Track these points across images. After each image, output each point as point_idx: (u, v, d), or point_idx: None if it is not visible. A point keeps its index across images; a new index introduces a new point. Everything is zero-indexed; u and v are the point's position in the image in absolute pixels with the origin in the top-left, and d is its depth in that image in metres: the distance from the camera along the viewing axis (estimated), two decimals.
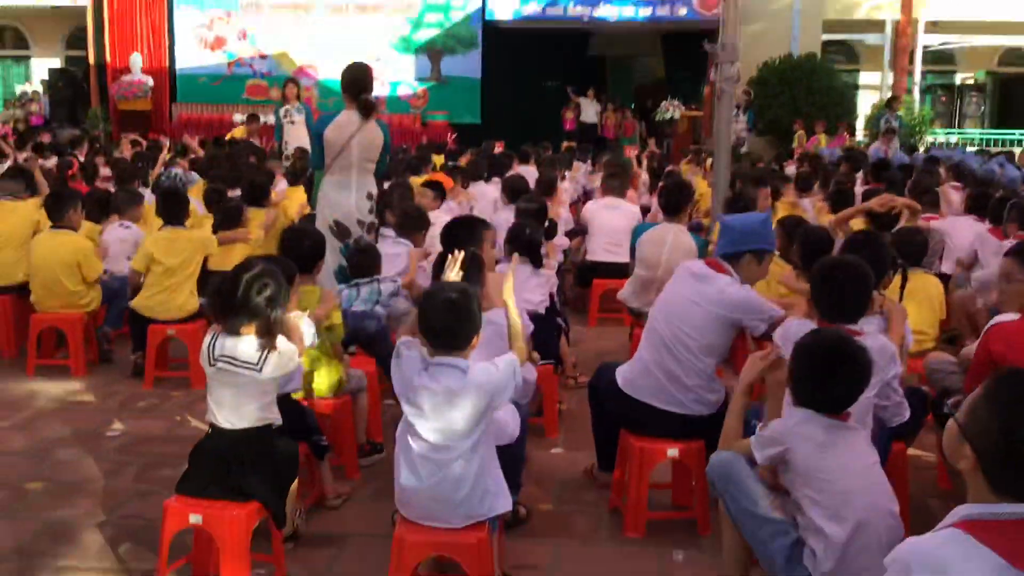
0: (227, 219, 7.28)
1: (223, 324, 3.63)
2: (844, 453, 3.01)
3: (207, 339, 3.64)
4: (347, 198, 6.38)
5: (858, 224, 6.51)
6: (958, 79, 24.86)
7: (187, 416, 5.84)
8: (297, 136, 12.07)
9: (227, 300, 3.60)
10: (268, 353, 3.58)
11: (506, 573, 3.75)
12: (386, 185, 7.63)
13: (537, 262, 5.67)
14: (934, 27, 21.14)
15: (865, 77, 23.33)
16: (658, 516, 4.35)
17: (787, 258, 5.52)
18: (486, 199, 9.57)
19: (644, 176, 12.08)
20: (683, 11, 19.88)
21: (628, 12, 20.26)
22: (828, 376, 3.04)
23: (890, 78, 20.93)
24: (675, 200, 6.69)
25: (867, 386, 3.16)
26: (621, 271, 7.53)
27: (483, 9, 20.97)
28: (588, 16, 20.53)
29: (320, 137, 6.35)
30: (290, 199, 9.04)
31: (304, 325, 3.97)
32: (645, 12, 20.23)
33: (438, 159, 12.77)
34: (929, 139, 19.90)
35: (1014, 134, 21.40)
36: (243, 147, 13.27)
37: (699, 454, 4.18)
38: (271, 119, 18.91)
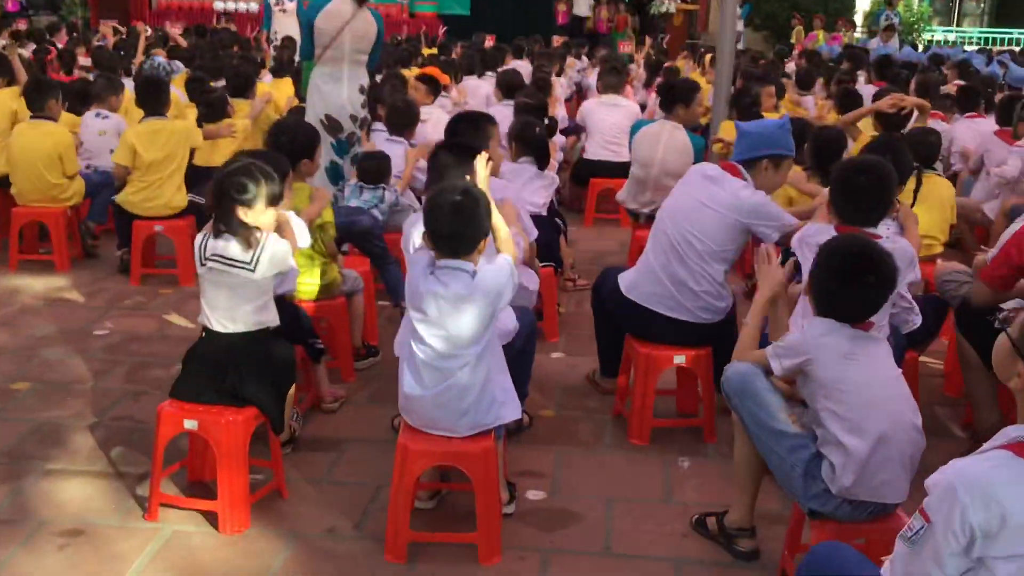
0: (211, 111, 7.03)
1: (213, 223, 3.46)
2: (867, 365, 2.89)
3: (199, 238, 3.48)
4: (339, 91, 6.12)
5: (865, 125, 6.34)
6: None
7: (176, 315, 5.70)
8: (287, 25, 11.67)
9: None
10: (260, 251, 3.41)
11: (509, 480, 3.66)
12: (377, 78, 7.37)
13: (544, 162, 5.48)
14: None
15: None
16: (663, 423, 4.25)
17: (795, 159, 5.35)
18: (479, 94, 9.32)
19: (640, 72, 11.80)
20: None
21: None
22: (853, 284, 2.90)
23: None
24: (670, 96, 6.49)
25: (892, 293, 3.04)
26: (619, 170, 7.33)
27: None
28: None
29: (310, 25, 6.05)
30: (277, 91, 8.75)
31: (294, 224, 3.80)
32: None
33: (428, 52, 12.43)
34: (927, 37, 19.53)
35: (1012, 33, 21.01)
36: (226, 36, 12.87)
37: (706, 361, 4.09)
38: (253, 6, 18.39)
